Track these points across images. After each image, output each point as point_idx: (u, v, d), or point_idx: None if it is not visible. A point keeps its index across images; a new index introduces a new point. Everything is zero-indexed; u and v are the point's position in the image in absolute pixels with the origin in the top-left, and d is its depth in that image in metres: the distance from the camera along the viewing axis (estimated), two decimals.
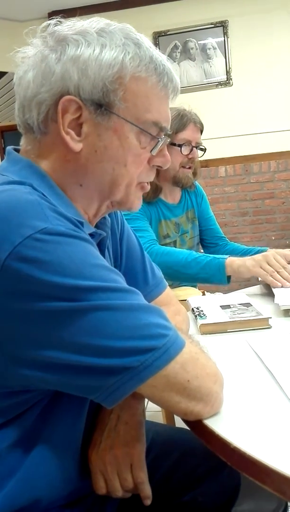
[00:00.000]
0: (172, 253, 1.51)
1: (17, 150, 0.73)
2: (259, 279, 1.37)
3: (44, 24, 0.70)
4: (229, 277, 1.43)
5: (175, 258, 1.47)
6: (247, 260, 1.37)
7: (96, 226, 0.77)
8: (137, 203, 0.77)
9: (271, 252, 1.40)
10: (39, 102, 0.66)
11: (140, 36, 0.69)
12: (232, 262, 1.40)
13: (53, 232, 0.54)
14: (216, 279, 1.43)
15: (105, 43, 0.66)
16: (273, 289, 1.25)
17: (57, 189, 0.67)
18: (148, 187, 0.78)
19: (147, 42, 0.69)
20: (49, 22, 0.69)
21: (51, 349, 0.55)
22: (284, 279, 1.29)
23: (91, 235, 0.68)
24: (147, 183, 0.77)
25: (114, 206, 0.76)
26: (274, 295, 1.21)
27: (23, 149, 0.72)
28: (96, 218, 0.76)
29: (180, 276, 1.50)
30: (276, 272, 1.30)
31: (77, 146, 0.67)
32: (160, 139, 0.72)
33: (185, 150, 1.68)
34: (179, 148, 1.67)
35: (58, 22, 0.69)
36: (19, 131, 0.72)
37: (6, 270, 0.52)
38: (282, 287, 1.27)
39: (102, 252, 0.77)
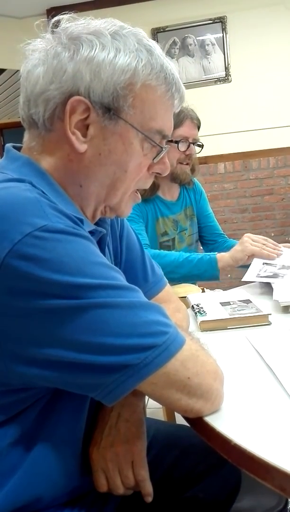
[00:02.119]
0: (163, 255, 1.56)
1: (16, 148, 0.72)
2: (258, 274, 1.37)
3: (56, 18, 0.69)
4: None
5: (168, 260, 1.53)
6: (233, 250, 1.49)
7: (96, 224, 0.77)
8: (127, 212, 0.78)
9: (245, 235, 1.51)
10: (47, 98, 0.66)
11: (152, 42, 0.69)
12: (222, 256, 1.51)
13: (52, 230, 0.54)
14: (208, 274, 1.52)
15: (119, 47, 0.66)
16: (273, 285, 1.26)
17: (56, 187, 0.67)
18: (139, 199, 0.79)
19: (158, 49, 0.69)
20: (61, 17, 0.69)
21: (51, 347, 0.55)
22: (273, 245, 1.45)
23: (91, 232, 0.68)
24: (137, 192, 0.78)
25: (106, 212, 0.76)
26: (273, 291, 1.21)
27: (26, 145, 0.71)
28: (92, 220, 0.76)
29: (174, 276, 1.54)
30: (265, 245, 1.44)
31: (82, 147, 0.67)
32: (163, 148, 0.73)
33: (182, 146, 1.68)
34: (176, 145, 1.66)
35: (71, 18, 0.69)
36: (23, 125, 0.72)
37: (6, 268, 0.52)
38: (279, 256, 1.42)
39: (102, 250, 0.77)
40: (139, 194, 0.79)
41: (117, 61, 0.65)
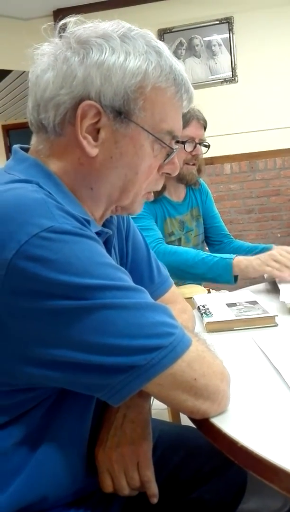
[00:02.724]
0: (180, 252, 1.50)
1: (24, 149, 0.72)
2: (265, 276, 1.37)
3: (63, 21, 0.69)
4: (236, 277, 1.43)
5: (182, 258, 1.47)
6: (254, 260, 1.37)
7: (103, 225, 0.77)
8: (139, 209, 0.77)
9: (276, 250, 1.40)
10: (57, 103, 0.66)
11: (161, 44, 0.69)
12: (239, 262, 1.40)
13: (59, 231, 0.54)
14: (223, 279, 1.43)
15: (129, 50, 0.65)
16: (279, 285, 1.25)
17: (64, 188, 0.67)
18: (152, 197, 0.79)
19: (166, 50, 0.69)
20: (68, 20, 0.69)
21: (57, 348, 0.55)
22: None
23: (97, 233, 0.68)
24: (150, 192, 0.77)
25: (117, 211, 0.76)
26: (280, 292, 1.20)
27: (34, 148, 0.71)
28: (100, 221, 0.76)
29: (186, 276, 1.50)
30: (284, 266, 1.30)
31: (93, 151, 0.67)
32: (174, 150, 0.73)
33: (188, 147, 1.68)
34: (183, 145, 1.66)
35: (78, 21, 0.69)
36: (31, 129, 0.71)
37: (13, 269, 0.52)
38: None
39: (109, 251, 0.77)
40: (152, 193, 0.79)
41: (127, 65, 0.65)
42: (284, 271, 1.30)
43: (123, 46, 0.65)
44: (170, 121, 0.71)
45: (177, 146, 0.74)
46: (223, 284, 1.48)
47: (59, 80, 0.65)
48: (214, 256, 1.47)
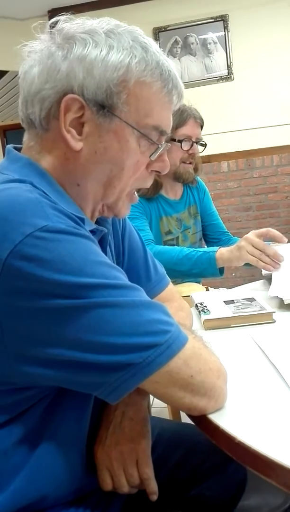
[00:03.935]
0: (163, 252, 1.52)
1: (18, 149, 0.73)
2: (263, 273, 1.37)
3: (54, 20, 0.69)
4: (222, 269, 1.47)
5: (167, 257, 1.49)
6: (234, 251, 1.39)
7: (97, 223, 0.77)
8: (124, 212, 0.77)
9: (248, 235, 1.40)
10: (42, 98, 0.66)
11: (148, 40, 0.69)
12: (222, 254, 1.43)
13: (53, 230, 0.54)
14: (208, 272, 1.47)
15: (112, 44, 0.66)
16: (272, 277, 1.26)
17: (57, 187, 0.67)
18: (137, 199, 0.79)
19: (155, 46, 0.69)
20: (58, 18, 0.69)
21: (54, 347, 0.55)
22: (272, 257, 1.31)
23: (92, 231, 0.68)
24: (135, 193, 0.77)
25: (104, 211, 0.76)
26: (270, 286, 1.20)
27: (26, 145, 0.72)
28: (91, 220, 0.76)
29: (175, 274, 1.51)
30: (264, 255, 1.31)
31: (77, 145, 0.67)
32: (160, 145, 0.72)
33: (185, 145, 1.68)
34: (179, 144, 1.67)
35: (68, 19, 0.69)
36: (22, 126, 0.72)
37: (8, 268, 0.52)
38: (274, 268, 1.30)
39: (104, 249, 0.77)
40: (136, 195, 0.78)
41: (109, 58, 0.65)
42: (264, 260, 1.31)
43: (107, 41, 0.66)
44: (156, 116, 0.70)
45: (165, 143, 0.73)
46: (210, 277, 1.52)
47: (44, 74, 0.66)
48: (197, 251, 1.50)
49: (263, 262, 1.31)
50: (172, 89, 0.71)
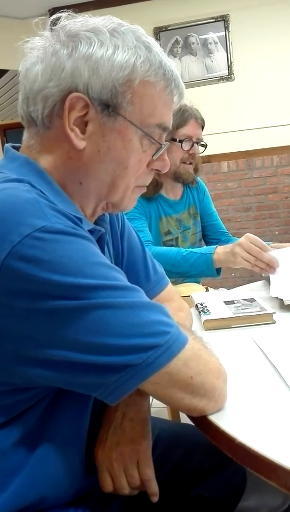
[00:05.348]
0: (161, 253, 1.53)
1: (16, 148, 0.72)
2: (262, 274, 1.37)
3: (55, 16, 0.69)
4: (219, 269, 1.49)
5: (165, 258, 1.49)
6: (230, 255, 1.40)
7: (95, 223, 0.77)
8: (131, 206, 0.77)
9: (242, 241, 1.37)
10: (45, 96, 0.66)
11: (151, 39, 0.69)
12: (219, 255, 1.45)
13: (51, 230, 0.54)
14: (206, 274, 1.51)
15: (118, 44, 0.66)
16: (271, 278, 1.25)
17: (55, 186, 0.67)
18: (145, 189, 0.79)
19: (157, 46, 0.69)
20: (60, 15, 0.69)
21: (53, 348, 0.55)
22: (267, 262, 1.30)
23: (90, 231, 0.67)
24: (142, 186, 0.77)
25: (108, 208, 0.76)
26: (270, 286, 1.20)
27: (25, 144, 0.71)
28: (92, 218, 0.76)
29: (173, 275, 1.51)
30: (258, 261, 1.31)
31: (80, 143, 0.67)
32: (163, 145, 0.73)
33: (185, 145, 1.68)
34: (180, 144, 1.66)
35: (69, 16, 0.69)
36: (22, 123, 0.72)
37: (6, 269, 0.52)
38: (270, 272, 1.30)
39: (102, 249, 0.77)
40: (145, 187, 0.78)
41: (115, 58, 0.65)
42: (259, 265, 1.31)
43: (112, 40, 0.66)
44: (159, 115, 0.70)
45: (166, 143, 0.74)
46: (207, 277, 1.55)
47: (48, 72, 0.65)
48: (194, 252, 1.51)
49: (258, 267, 1.32)
50: (174, 89, 0.71)
